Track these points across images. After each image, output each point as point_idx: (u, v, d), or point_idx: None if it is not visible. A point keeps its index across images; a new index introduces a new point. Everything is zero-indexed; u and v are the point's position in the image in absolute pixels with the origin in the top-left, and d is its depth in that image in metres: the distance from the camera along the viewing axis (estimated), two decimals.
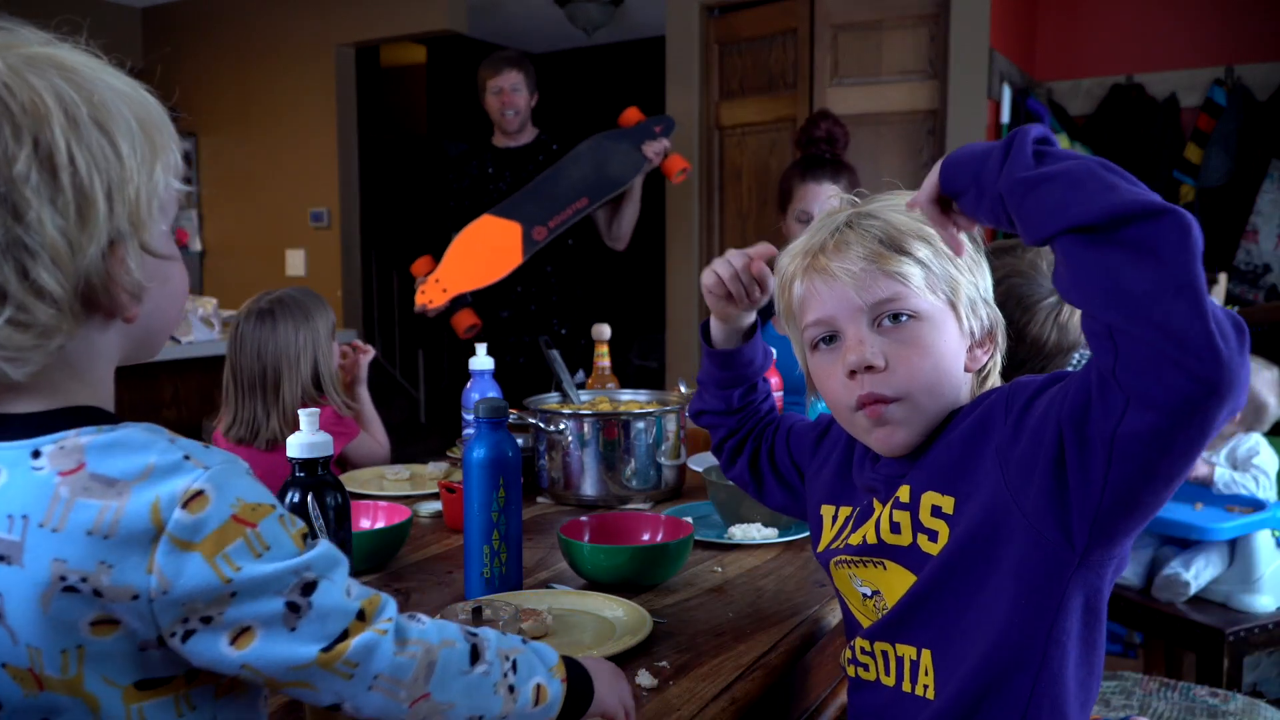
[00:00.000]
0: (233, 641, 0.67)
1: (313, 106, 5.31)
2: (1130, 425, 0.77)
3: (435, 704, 0.73)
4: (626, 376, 2.23)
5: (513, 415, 1.60)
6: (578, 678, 0.85)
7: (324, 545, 0.72)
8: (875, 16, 3.60)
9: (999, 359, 1.05)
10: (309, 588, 0.69)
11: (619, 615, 1.19)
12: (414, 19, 4.97)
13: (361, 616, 0.70)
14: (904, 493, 0.99)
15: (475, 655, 0.76)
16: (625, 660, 1.07)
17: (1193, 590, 2.10)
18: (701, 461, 1.84)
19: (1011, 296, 1.44)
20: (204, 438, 3.11)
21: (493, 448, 1.27)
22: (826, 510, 1.13)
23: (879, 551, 1.01)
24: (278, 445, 1.98)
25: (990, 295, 1.04)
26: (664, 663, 1.07)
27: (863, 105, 3.62)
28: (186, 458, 0.68)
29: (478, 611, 0.90)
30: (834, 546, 1.08)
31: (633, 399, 1.89)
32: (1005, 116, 3.63)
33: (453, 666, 0.74)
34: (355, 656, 0.69)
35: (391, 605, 0.73)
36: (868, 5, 3.60)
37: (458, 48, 6.22)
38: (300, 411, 1.12)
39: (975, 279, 1.01)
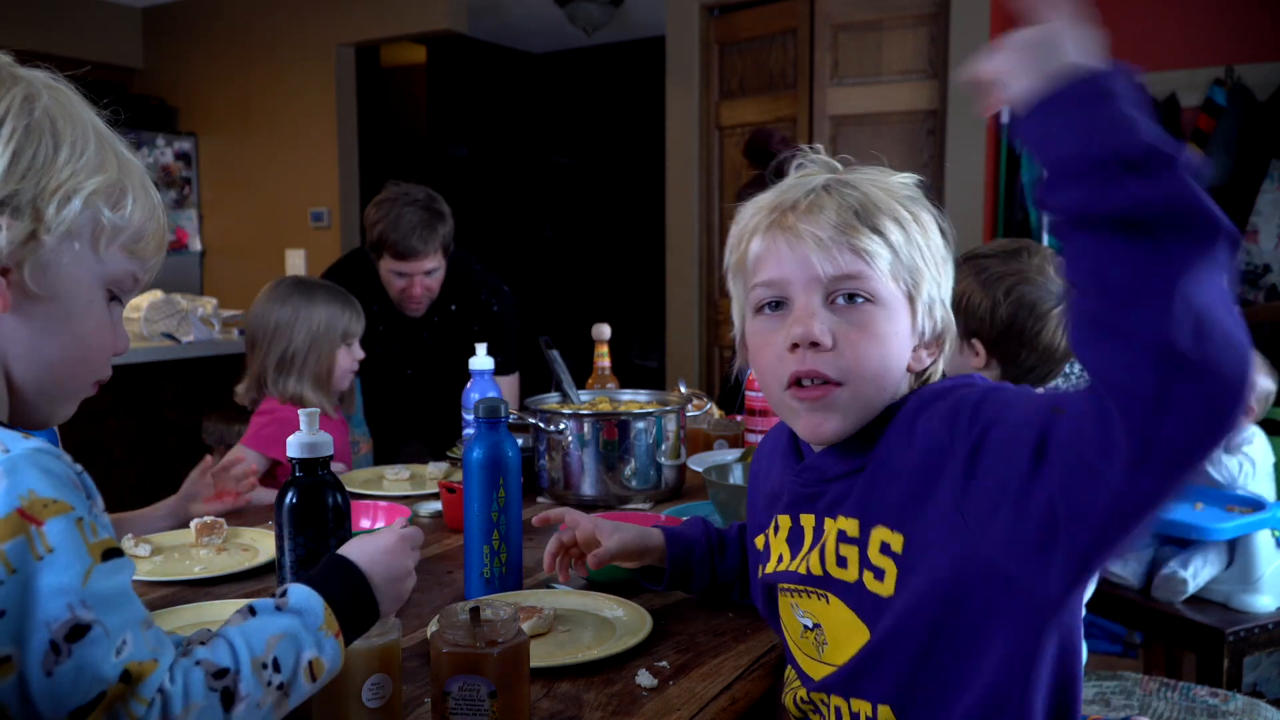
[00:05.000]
0: None
1: (313, 106, 5.30)
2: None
3: None
4: (626, 376, 2.23)
5: (513, 415, 1.60)
6: (357, 607, 0.82)
7: (122, 576, 0.67)
8: (875, 16, 3.60)
9: (941, 366, 0.99)
10: (78, 631, 0.63)
11: (619, 615, 1.19)
12: (414, 19, 4.96)
13: (126, 679, 0.64)
14: (852, 526, 0.93)
15: (229, 699, 0.70)
16: (625, 660, 1.07)
17: (1191, 589, 2.09)
18: (701, 461, 1.84)
19: (1023, 305, 1.43)
20: (206, 437, 3.11)
21: (492, 448, 1.27)
22: (759, 540, 1.07)
23: (823, 584, 0.95)
24: (246, 413, 2.04)
25: (948, 299, 0.98)
26: (664, 663, 1.07)
27: (863, 105, 3.62)
28: None
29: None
30: (779, 570, 1.02)
31: (633, 399, 1.89)
32: (1005, 116, 3.63)
33: None
34: None
35: (155, 681, 0.66)
36: (868, 5, 3.60)
37: (458, 48, 6.22)
38: (300, 411, 1.12)
39: (939, 278, 0.96)
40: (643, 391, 1.92)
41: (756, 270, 0.96)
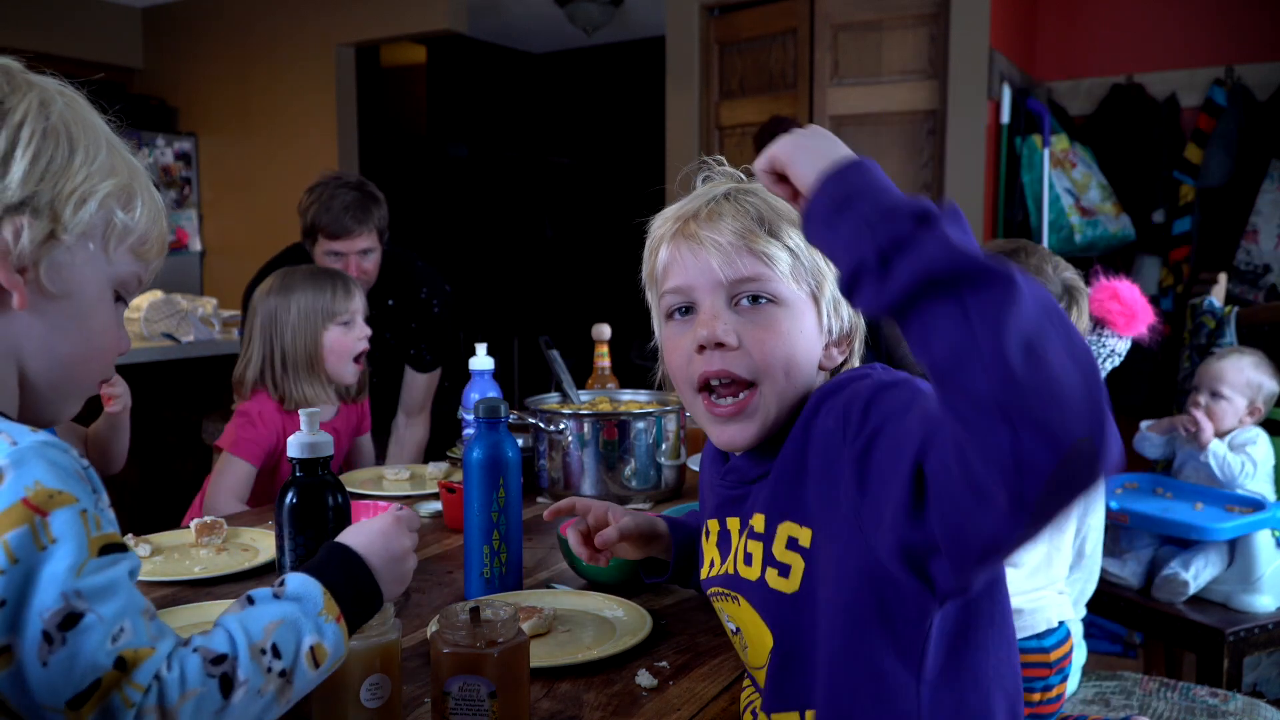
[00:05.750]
0: None
1: (313, 106, 5.30)
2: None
3: None
4: (626, 376, 2.23)
5: (513, 415, 1.60)
6: (357, 591, 0.82)
7: (119, 568, 0.67)
8: (875, 16, 3.60)
9: (855, 361, 1.00)
10: (71, 620, 0.64)
11: (619, 615, 1.19)
12: (414, 19, 4.96)
13: (121, 666, 0.65)
14: (759, 521, 0.93)
15: (227, 685, 0.69)
16: (625, 660, 1.07)
17: (1192, 590, 2.09)
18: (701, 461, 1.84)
19: None
20: (206, 437, 3.11)
21: (492, 448, 1.27)
22: (704, 545, 1.06)
23: (733, 584, 0.96)
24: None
25: None
26: (664, 663, 1.07)
27: (863, 105, 3.62)
28: None
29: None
30: (709, 575, 1.02)
31: (633, 399, 1.89)
32: (1005, 116, 3.63)
33: (203, 717, 0.68)
34: None
35: (151, 667, 0.66)
36: (868, 5, 3.60)
37: (458, 48, 6.22)
38: (301, 411, 1.12)
39: None
40: (643, 391, 1.92)
41: (665, 278, 0.99)
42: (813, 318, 0.96)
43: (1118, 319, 1.75)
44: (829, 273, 0.96)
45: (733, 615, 0.98)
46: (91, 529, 0.67)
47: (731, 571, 0.96)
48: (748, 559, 0.94)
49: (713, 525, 1.04)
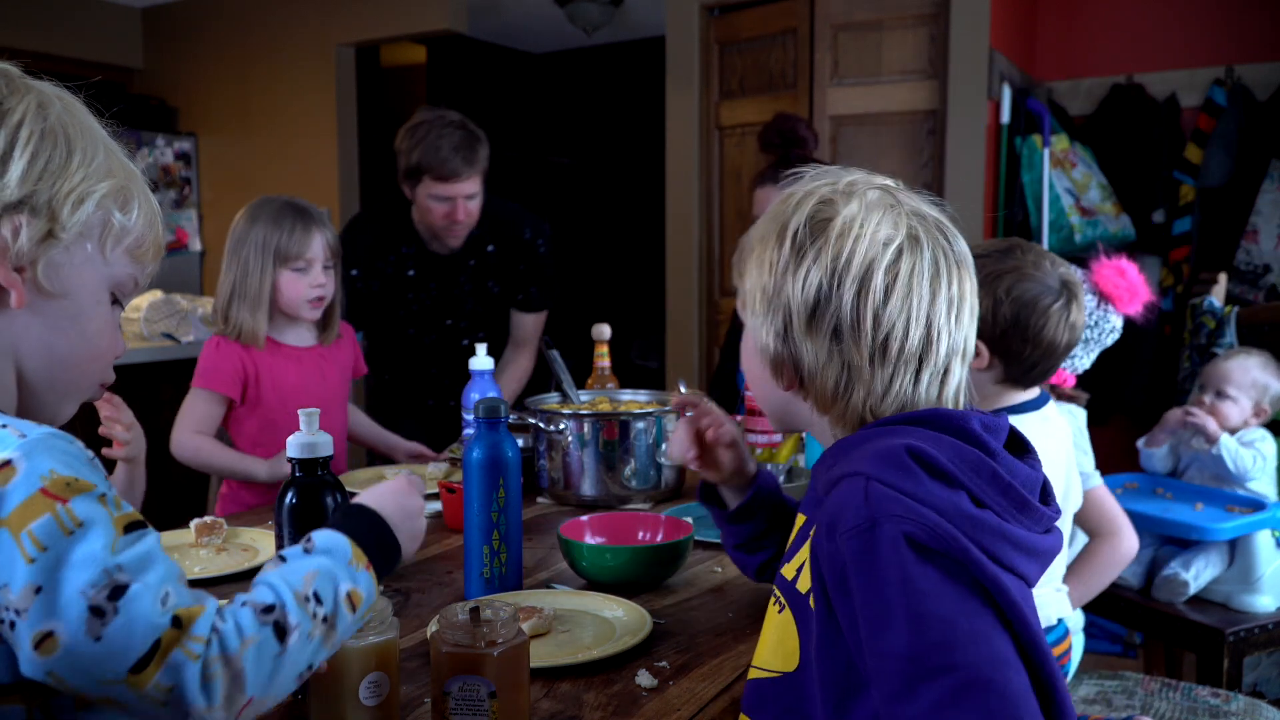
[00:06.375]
0: (37, 646, 0.63)
1: (313, 106, 5.30)
2: None
3: (262, 700, 0.71)
4: (626, 376, 2.23)
5: (513, 416, 1.60)
6: (380, 543, 0.85)
7: (147, 541, 0.68)
8: (875, 16, 3.60)
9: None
10: (118, 591, 0.64)
11: (619, 615, 1.19)
12: (414, 19, 4.96)
13: (178, 624, 0.66)
14: (801, 520, 0.92)
15: (281, 631, 0.72)
16: (625, 660, 1.07)
17: (1192, 590, 2.09)
18: None
19: (1024, 302, 1.43)
20: None
21: (492, 448, 1.27)
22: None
23: (785, 591, 0.91)
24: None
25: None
26: (664, 663, 1.07)
27: (863, 105, 3.62)
28: (4, 426, 0.68)
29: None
30: (780, 569, 0.95)
31: (633, 399, 1.89)
32: (1005, 116, 3.63)
33: (264, 663, 0.70)
34: (166, 681, 0.65)
35: (206, 621, 0.68)
36: (868, 5, 3.60)
37: (458, 48, 6.22)
38: (300, 412, 1.12)
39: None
40: (643, 391, 1.92)
41: None
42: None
43: (1122, 294, 1.78)
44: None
45: (771, 623, 0.93)
46: (113, 510, 0.68)
47: (790, 577, 0.91)
48: (800, 569, 0.89)
49: (800, 519, 0.97)
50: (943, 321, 0.88)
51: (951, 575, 0.77)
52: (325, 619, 0.75)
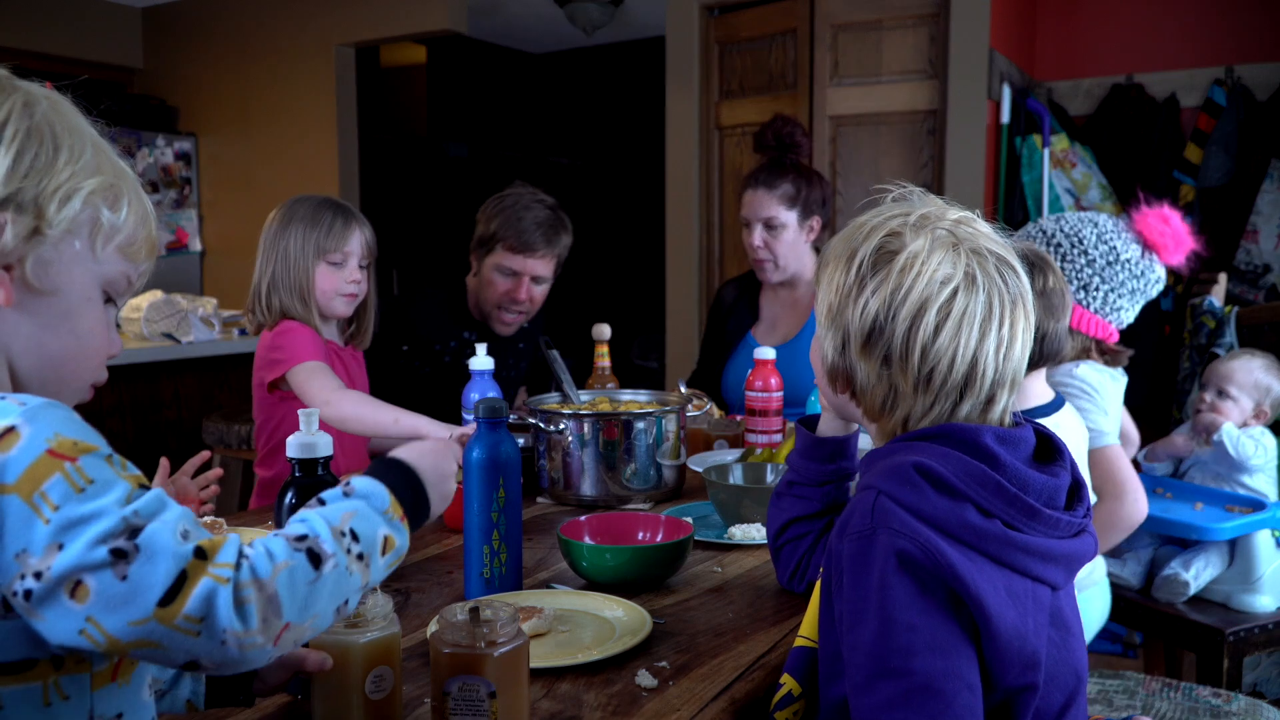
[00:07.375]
0: (71, 594, 0.63)
1: (313, 106, 5.30)
2: None
3: (300, 627, 0.70)
4: (626, 376, 2.23)
5: (512, 416, 1.60)
6: (415, 498, 0.85)
7: (157, 493, 0.69)
8: (875, 16, 3.60)
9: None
10: (137, 531, 0.65)
11: (619, 615, 1.19)
12: (414, 19, 4.96)
13: (201, 555, 0.66)
14: None
15: (315, 559, 0.72)
16: (625, 660, 1.07)
17: (1192, 590, 2.09)
18: (701, 461, 1.84)
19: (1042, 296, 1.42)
20: (206, 437, 3.11)
21: (492, 448, 1.27)
22: None
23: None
24: (246, 414, 1.93)
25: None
26: (664, 663, 1.07)
27: (863, 105, 3.62)
28: (2, 398, 0.69)
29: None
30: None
31: (633, 399, 1.89)
32: (1005, 116, 3.63)
33: (299, 588, 0.70)
34: (197, 611, 0.64)
35: (232, 549, 0.68)
36: (868, 5, 3.60)
37: (458, 48, 6.22)
38: (300, 412, 1.12)
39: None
40: (643, 391, 1.92)
41: None
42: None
43: (1167, 243, 1.74)
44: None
45: (817, 596, 0.99)
46: (119, 469, 0.69)
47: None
48: None
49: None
50: (989, 359, 0.94)
51: (927, 589, 0.85)
52: (360, 556, 0.75)
